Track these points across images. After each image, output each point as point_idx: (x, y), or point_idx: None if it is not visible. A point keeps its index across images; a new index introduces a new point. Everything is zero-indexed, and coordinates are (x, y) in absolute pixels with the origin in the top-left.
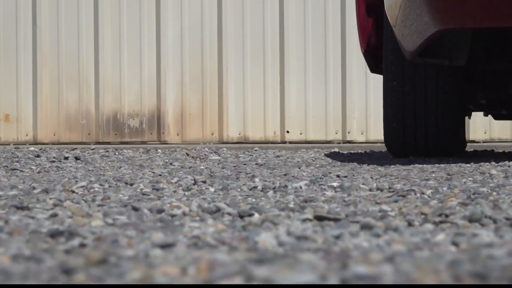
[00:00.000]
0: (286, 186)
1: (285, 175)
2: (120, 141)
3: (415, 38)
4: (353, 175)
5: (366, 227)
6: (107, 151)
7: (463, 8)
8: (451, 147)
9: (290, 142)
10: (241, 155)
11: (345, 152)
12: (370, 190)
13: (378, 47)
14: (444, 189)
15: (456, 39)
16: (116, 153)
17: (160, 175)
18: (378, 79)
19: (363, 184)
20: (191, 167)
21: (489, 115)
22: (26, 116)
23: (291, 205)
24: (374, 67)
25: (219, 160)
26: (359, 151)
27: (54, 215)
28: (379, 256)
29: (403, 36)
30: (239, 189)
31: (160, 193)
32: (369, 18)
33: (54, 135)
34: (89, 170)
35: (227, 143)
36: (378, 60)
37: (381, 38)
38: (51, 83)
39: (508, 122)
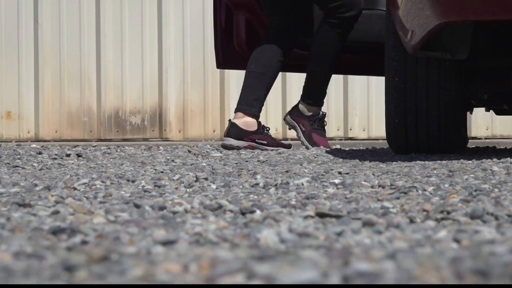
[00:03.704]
0: (287, 183)
1: (286, 172)
2: (121, 138)
3: (417, 31)
4: (355, 172)
5: (368, 224)
6: (109, 148)
7: (464, 1)
8: (453, 144)
9: (292, 139)
10: (242, 152)
11: (347, 149)
12: (372, 187)
13: (248, 43)
14: (446, 186)
15: (458, 33)
16: (118, 150)
17: (162, 172)
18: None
19: (365, 181)
20: (192, 164)
21: (491, 111)
22: (28, 114)
23: (293, 202)
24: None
25: (221, 157)
26: (361, 147)
27: (56, 212)
28: (380, 253)
29: (405, 30)
30: (240, 186)
31: (161, 190)
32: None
33: (56, 132)
34: (91, 167)
35: None
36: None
37: (251, 35)
38: (53, 81)
39: (510, 118)
